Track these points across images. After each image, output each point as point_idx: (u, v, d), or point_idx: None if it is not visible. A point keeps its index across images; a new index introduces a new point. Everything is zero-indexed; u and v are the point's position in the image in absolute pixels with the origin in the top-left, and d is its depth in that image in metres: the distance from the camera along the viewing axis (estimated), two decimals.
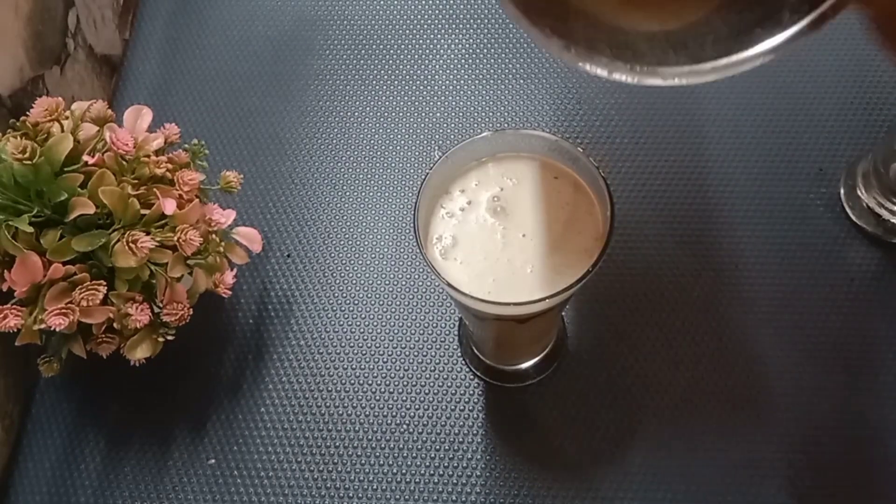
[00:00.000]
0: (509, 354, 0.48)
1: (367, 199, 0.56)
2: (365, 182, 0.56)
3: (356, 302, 0.52)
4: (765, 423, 0.46)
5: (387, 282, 0.53)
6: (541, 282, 0.34)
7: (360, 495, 0.46)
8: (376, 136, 0.58)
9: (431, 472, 0.46)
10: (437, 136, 0.58)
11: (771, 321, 0.49)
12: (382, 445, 0.47)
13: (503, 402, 0.48)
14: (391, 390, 0.49)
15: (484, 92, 0.60)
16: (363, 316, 0.52)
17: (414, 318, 0.51)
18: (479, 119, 0.59)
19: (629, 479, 0.45)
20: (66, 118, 0.43)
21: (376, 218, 0.55)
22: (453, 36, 0.63)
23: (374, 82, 0.60)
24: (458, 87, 0.60)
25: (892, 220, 0.50)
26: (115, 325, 0.41)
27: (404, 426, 0.48)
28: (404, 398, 0.49)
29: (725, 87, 0.57)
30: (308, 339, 0.51)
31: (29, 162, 0.38)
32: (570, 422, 0.47)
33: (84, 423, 0.49)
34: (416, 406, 0.48)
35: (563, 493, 0.45)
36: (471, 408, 0.48)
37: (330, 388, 0.49)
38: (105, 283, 0.40)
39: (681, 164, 0.55)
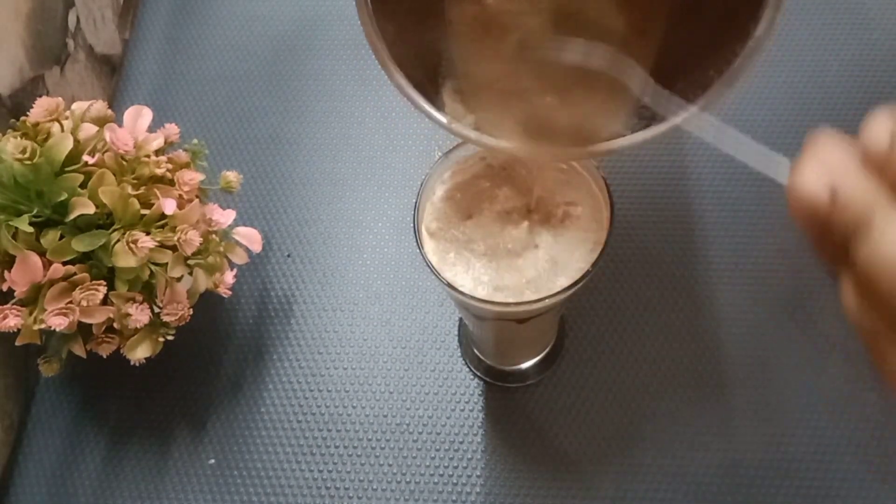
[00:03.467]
0: (509, 354, 0.48)
1: (367, 199, 0.56)
2: (365, 182, 0.56)
3: (356, 302, 0.52)
4: (766, 423, 0.46)
5: (387, 282, 0.53)
6: (541, 285, 0.34)
7: (360, 495, 0.46)
8: (376, 136, 0.58)
9: (431, 472, 0.46)
10: (437, 136, 0.58)
11: (772, 321, 0.49)
12: (382, 445, 0.47)
13: (503, 402, 0.48)
14: (391, 390, 0.49)
15: None
16: (363, 316, 0.52)
17: (414, 318, 0.51)
18: None
19: (629, 479, 0.45)
20: (66, 118, 0.43)
21: (376, 218, 0.55)
22: None
23: (374, 82, 0.60)
24: None
25: None
26: (115, 325, 0.41)
27: (404, 426, 0.48)
28: (404, 398, 0.49)
29: None
30: (308, 339, 0.51)
31: (29, 162, 0.38)
32: (570, 422, 0.47)
33: (84, 423, 0.49)
34: (416, 406, 0.48)
35: (563, 493, 0.45)
36: (471, 408, 0.48)
37: (330, 388, 0.49)
38: (105, 283, 0.40)
39: (681, 165, 0.55)
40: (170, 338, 0.43)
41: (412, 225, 0.35)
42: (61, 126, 0.42)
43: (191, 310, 0.43)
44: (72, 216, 0.39)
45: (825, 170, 0.20)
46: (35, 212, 0.39)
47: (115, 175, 0.41)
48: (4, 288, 0.40)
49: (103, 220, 0.41)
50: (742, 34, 0.26)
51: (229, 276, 0.46)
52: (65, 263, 0.39)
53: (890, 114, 0.19)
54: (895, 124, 0.19)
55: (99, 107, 0.44)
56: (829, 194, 0.19)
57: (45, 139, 0.40)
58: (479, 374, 0.49)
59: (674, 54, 0.30)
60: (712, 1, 0.28)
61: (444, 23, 0.32)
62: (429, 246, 0.35)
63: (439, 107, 0.31)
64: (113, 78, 0.63)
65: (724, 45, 0.27)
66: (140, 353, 0.42)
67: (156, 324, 0.42)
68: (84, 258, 0.40)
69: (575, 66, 0.32)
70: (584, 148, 0.31)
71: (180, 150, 0.46)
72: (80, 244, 0.39)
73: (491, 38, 0.32)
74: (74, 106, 0.45)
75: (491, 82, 0.32)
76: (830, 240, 0.20)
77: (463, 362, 0.50)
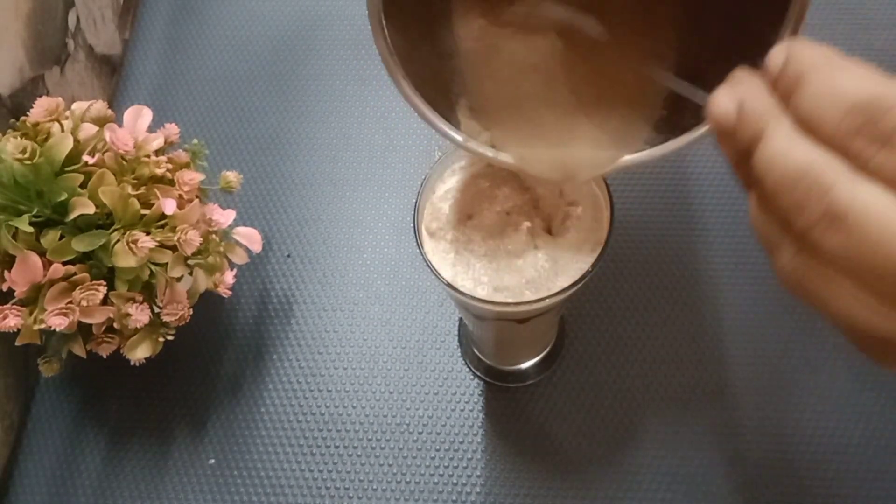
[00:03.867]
0: (509, 354, 0.48)
1: (367, 199, 0.56)
2: (365, 182, 0.56)
3: (356, 302, 0.52)
4: (767, 422, 0.46)
5: (387, 282, 0.53)
6: (540, 285, 0.34)
7: (360, 495, 0.46)
8: (376, 136, 0.58)
9: (431, 472, 0.46)
10: (437, 137, 0.58)
11: (771, 321, 0.49)
12: (382, 445, 0.47)
13: (503, 402, 0.48)
14: (391, 390, 0.49)
15: None
16: (363, 316, 0.52)
17: (414, 318, 0.51)
18: None
19: (629, 479, 0.45)
20: (66, 118, 0.43)
21: (376, 218, 0.55)
22: None
23: (374, 82, 0.60)
24: None
25: None
26: (115, 325, 0.41)
27: (404, 426, 0.48)
28: (404, 398, 0.49)
29: None
30: (308, 339, 0.51)
31: (29, 162, 0.38)
32: (570, 422, 0.47)
33: (84, 423, 0.49)
34: (416, 406, 0.48)
35: (563, 493, 0.45)
36: (471, 408, 0.48)
37: (330, 388, 0.49)
38: (105, 283, 0.40)
39: (681, 165, 0.55)
40: (170, 338, 0.43)
41: (412, 225, 0.35)
42: (61, 126, 0.42)
43: (191, 310, 0.43)
44: (72, 216, 0.39)
45: (735, 91, 0.23)
46: (35, 212, 0.39)
47: (115, 175, 0.41)
48: (4, 288, 0.40)
49: (103, 220, 0.41)
50: (763, 46, 0.26)
51: (229, 276, 0.46)
52: (65, 263, 0.39)
53: (790, 41, 0.22)
54: (790, 49, 0.21)
55: (99, 107, 0.44)
56: (736, 110, 0.22)
57: (45, 139, 0.40)
58: (479, 374, 0.49)
59: (693, 67, 0.30)
60: (733, 12, 0.28)
61: (454, 39, 0.32)
62: (429, 246, 0.35)
63: (454, 124, 0.31)
64: (113, 78, 0.63)
65: (745, 57, 0.27)
66: (140, 353, 0.42)
67: (156, 324, 0.42)
68: (84, 258, 0.40)
69: (593, 81, 0.32)
70: (603, 165, 0.31)
71: (180, 150, 0.46)
72: (80, 244, 0.39)
73: (501, 55, 0.32)
74: (74, 106, 0.45)
75: (504, 99, 0.32)
76: (742, 159, 0.22)
77: (463, 362, 0.50)
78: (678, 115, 0.30)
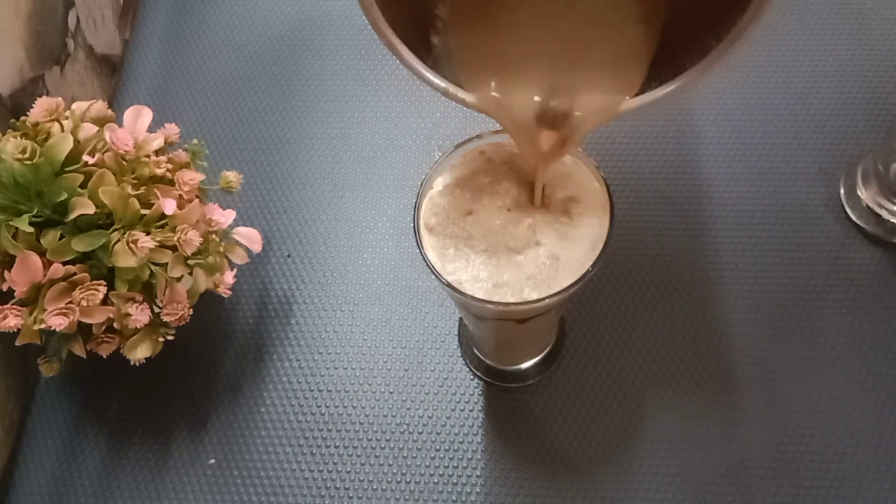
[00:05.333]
0: (509, 354, 0.48)
1: (367, 199, 0.56)
2: (365, 182, 0.56)
3: (356, 302, 0.52)
4: (765, 423, 0.46)
5: (387, 282, 0.53)
6: (541, 282, 0.34)
7: (360, 495, 0.46)
8: (376, 136, 0.58)
9: (431, 472, 0.46)
10: (437, 136, 0.58)
11: (771, 321, 0.49)
12: (382, 445, 0.47)
13: (503, 402, 0.48)
14: (391, 390, 0.49)
15: None
16: (363, 316, 0.52)
17: (414, 318, 0.51)
18: (480, 119, 0.58)
19: (629, 479, 0.45)
20: (66, 118, 0.43)
21: (376, 218, 0.55)
22: None
23: (374, 82, 0.60)
24: None
25: (892, 220, 0.50)
26: (115, 325, 0.41)
27: (404, 426, 0.48)
28: (404, 398, 0.49)
29: (725, 87, 0.57)
30: (308, 339, 0.51)
31: (29, 162, 0.37)
32: (570, 422, 0.47)
33: (84, 423, 0.49)
34: (416, 406, 0.48)
35: (563, 493, 0.45)
36: (471, 408, 0.48)
37: (330, 388, 0.49)
38: (105, 283, 0.40)
39: (681, 164, 0.55)
40: (170, 338, 0.43)
41: (412, 224, 0.35)
42: (61, 126, 0.42)
43: (191, 310, 0.43)
44: (72, 216, 0.39)
45: None
46: (35, 212, 0.39)
47: (115, 175, 0.41)
48: (4, 288, 0.40)
49: (103, 220, 0.41)
50: (742, 4, 0.26)
51: (229, 276, 0.46)
52: (65, 263, 0.39)
53: None
54: None
55: (99, 107, 0.44)
56: None
57: (45, 139, 0.40)
58: (479, 374, 0.49)
59: (673, 27, 0.30)
60: None
61: None
62: (428, 242, 0.35)
63: (432, 68, 0.31)
64: (113, 78, 0.63)
65: (723, 15, 0.27)
66: (140, 353, 0.42)
67: (156, 324, 0.42)
68: (84, 258, 0.40)
69: (580, 33, 0.31)
70: (603, 112, 0.31)
71: (180, 150, 0.46)
72: (80, 244, 0.39)
73: (490, 5, 0.32)
74: (74, 106, 0.45)
75: (490, 47, 0.32)
76: None
77: (463, 362, 0.50)
78: (668, 65, 0.30)
